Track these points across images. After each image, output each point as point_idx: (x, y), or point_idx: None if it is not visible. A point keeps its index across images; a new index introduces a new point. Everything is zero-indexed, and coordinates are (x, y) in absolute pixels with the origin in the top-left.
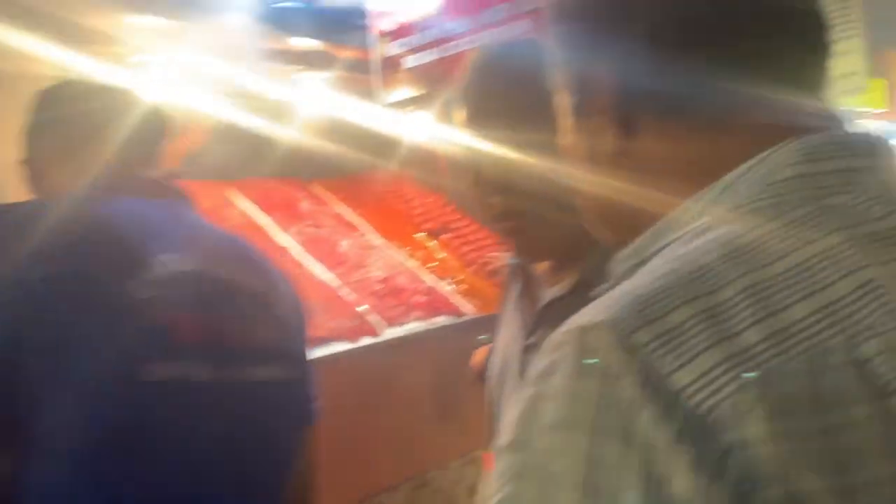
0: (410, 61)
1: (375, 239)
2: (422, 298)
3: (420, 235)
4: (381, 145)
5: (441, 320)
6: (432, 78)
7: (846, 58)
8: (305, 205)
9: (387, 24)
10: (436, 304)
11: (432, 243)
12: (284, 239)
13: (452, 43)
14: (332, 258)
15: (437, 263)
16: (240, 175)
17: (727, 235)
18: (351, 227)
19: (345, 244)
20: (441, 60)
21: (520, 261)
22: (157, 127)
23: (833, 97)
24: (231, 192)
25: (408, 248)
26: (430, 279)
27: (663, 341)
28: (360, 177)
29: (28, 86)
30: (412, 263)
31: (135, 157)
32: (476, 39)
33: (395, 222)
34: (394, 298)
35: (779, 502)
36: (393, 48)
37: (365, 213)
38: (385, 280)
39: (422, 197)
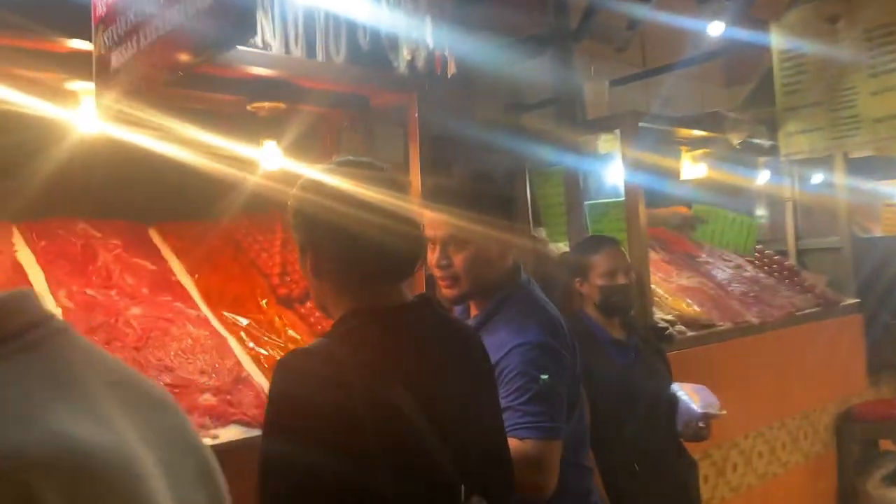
0: (114, 59)
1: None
2: (211, 399)
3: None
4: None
5: (230, 432)
6: (147, 83)
7: (890, 98)
8: (100, 255)
9: (101, 8)
10: (227, 411)
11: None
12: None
13: (150, 28)
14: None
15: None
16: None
17: None
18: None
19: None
20: (144, 55)
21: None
22: None
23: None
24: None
25: (247, 319)
26: (249, 368)
27: None
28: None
29: None
30: (233, 345)
31: None
32: (174, 20)
33: (237, 283)
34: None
35: None
36: (103, 41)
37: (195, 268)
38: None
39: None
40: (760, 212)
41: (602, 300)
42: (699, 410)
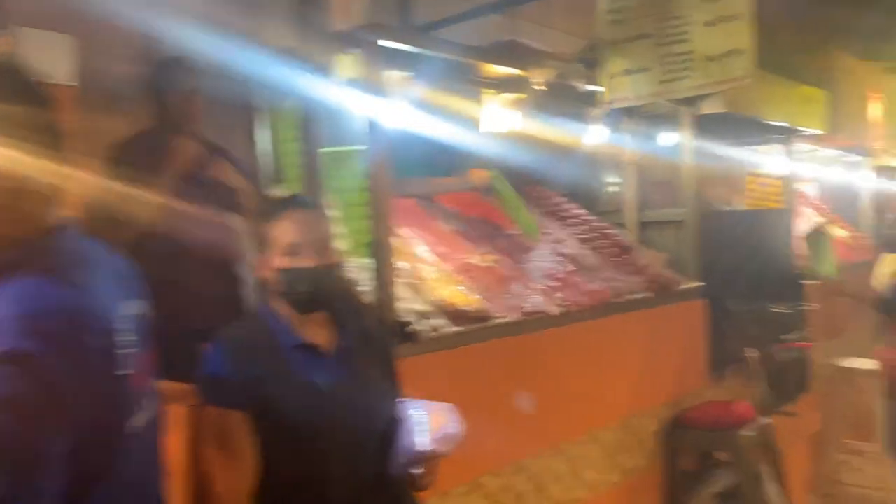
0: None
1: None
2: None
3: None
4: None
5: None
6: None
7: (727, 28)
8: None
9: None
10: None
11: None
12: None
13: None
14: None
15: None
16: None
17: None
18: None
19: None
20: None
21: None
22: None
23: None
24: None
25: None
26: None
27: None
28: None
29: None
30: None
31: None
32: None
33: None
34: None
35: None
36: None
37: None
38: None
39: None
40: (611, 178)
41: (280, 288)
42: (419, 447)
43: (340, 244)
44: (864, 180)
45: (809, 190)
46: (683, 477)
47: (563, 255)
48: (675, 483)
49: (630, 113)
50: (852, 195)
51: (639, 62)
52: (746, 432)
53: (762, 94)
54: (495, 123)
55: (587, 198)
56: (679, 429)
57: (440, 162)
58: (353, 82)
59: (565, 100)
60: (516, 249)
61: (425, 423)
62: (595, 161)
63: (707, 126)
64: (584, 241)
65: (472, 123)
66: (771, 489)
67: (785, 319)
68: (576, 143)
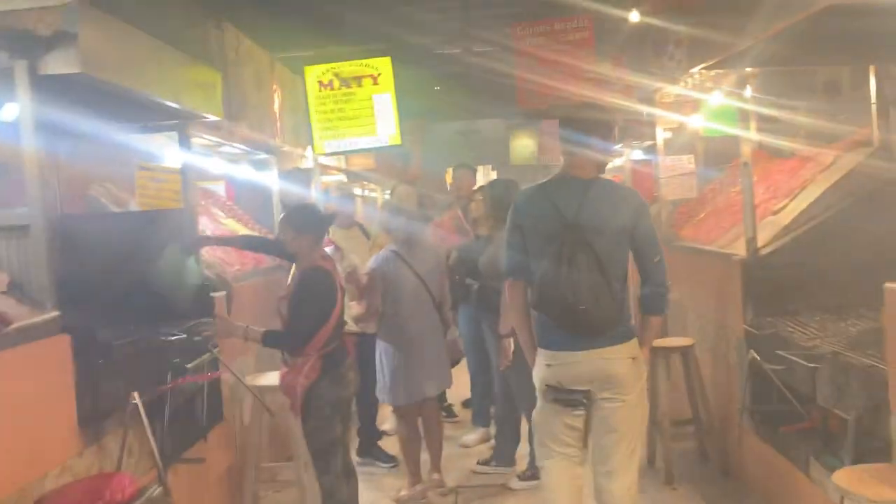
0: None
1: None
2: None
3: None
4: None
5: None
6: None
7: None
8: None
9: None
10: None
11: None
12: None
13: None
14: None
15: None
16: None
17: None
18: None
19: None
20: None
21: None
22: None
23: None
24: None
25: None
26: None
27: None
28: None
29: None
30: None
31: None
32: None
33: None
34: None
35: None
36: None
37: None
38: None
39: None
40: None
41: None
42: None
43: None
44: (273, 181)
45: (218, 189)
46: None
47: None
48: None
49: None
50: (266, 196)
51: None
52: None
53: (140, 61)
54: None
55: None
56: None
57: None
58: None
59: None
60: None
61: None
62: None
63: (64, 96)
64: None
65: None
66: None
67: (186, 343)
68: None
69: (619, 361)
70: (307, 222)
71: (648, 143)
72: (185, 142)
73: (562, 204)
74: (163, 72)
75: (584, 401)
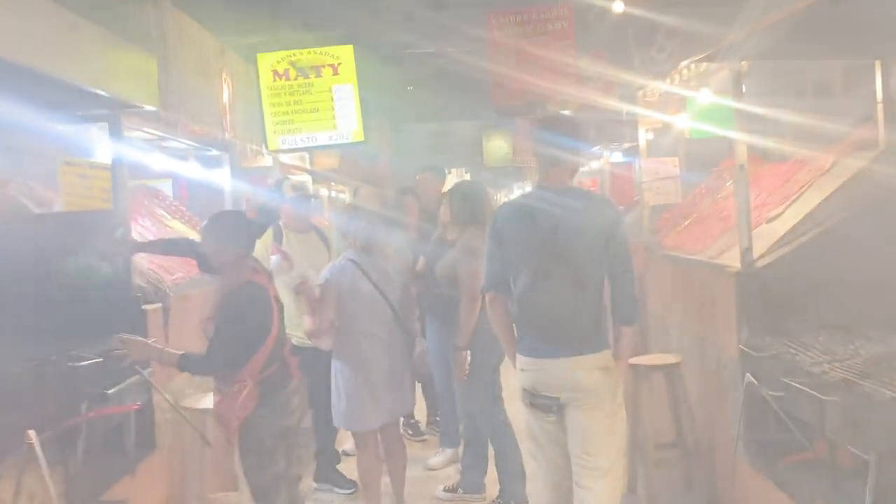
0: None
1: None
2: None
3: None
4: None
5: None
6: None
7: None
8: None
9: None
10: None
11: None
12: None
13: None
14: None
15: None
16: None
17: None
18: None
19: None
20: None
21: None
22: None
23: None
24: None
25: None
26: None
27: None
28: None
29: None
30: None
31: None
32: None
33: None
34: None
35: None
36: None
37: None
38: None
39: None
40: None
41: None
42: None
43: None
44: (226, 179)
45: (164, 188)
46: None
47: None
48: None
49: None
50: (221, 196)
51: None
52: None
53: (54, 39)
54: None
55: None
56: None
57: None
58: None
59: None
60: None
61: None
62: None
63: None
64: None
65: None
66: None
67: (108, 365)
68: None
69: (588, 372)
70: (231, 233)
71: (629, 144)
72: (116, 134)
73: (539, 217)
74: (85, 54)
75: (554, 408)
